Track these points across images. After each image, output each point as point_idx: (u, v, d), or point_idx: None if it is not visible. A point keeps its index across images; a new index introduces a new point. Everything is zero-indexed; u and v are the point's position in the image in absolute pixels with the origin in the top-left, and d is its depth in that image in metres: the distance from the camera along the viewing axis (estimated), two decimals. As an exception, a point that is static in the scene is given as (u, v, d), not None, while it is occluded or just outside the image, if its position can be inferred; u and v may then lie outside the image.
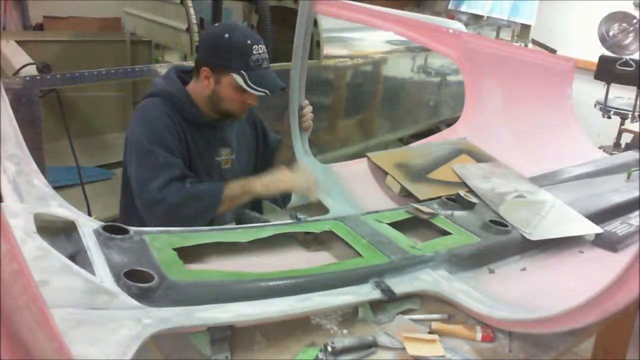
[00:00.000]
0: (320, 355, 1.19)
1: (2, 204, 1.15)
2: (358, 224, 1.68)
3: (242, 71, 1.83)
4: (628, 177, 2.35)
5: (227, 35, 1.84)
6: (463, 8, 5.93)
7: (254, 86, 1.83)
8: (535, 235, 1.73)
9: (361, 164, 2.20)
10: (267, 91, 1.86)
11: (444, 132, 2.70)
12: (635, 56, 4.63)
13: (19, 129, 1.34)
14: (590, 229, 1.80)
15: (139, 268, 1.19)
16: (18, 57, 2.51)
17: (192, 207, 1.79)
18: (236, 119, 2.02)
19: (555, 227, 1.78)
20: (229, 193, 1.84)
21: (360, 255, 1.49)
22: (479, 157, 2.30)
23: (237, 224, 1.81)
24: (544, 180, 2.22)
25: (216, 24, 1.95)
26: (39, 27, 4.77)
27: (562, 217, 1.85)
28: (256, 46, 1.85)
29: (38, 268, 1.02)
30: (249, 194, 1.88)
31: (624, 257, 0.94)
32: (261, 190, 1.88)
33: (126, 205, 2.03)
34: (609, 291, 0.99)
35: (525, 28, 5.88)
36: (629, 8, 4.89)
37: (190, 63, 2.99)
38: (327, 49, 3.59)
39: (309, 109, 2.18)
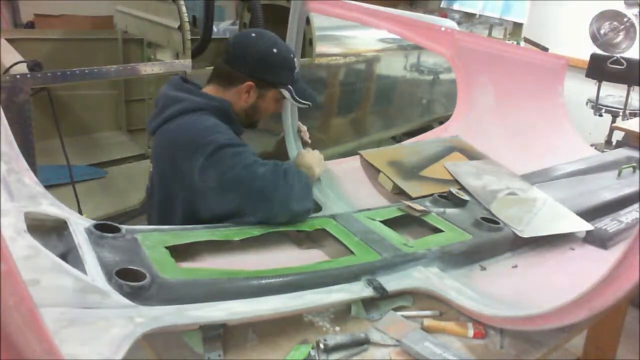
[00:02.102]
0: (313, 353, 1.19)
1: None
2: (350, 221, 1.68)
3: (289, 85, 1.85)
4: (619, 175, 2.37)
5: (275, 50, 1.80)
6: (455, 6, 5.95)
7: (299, 99, 1.87)
8: (527, 232, 1.74)
9: (354, 162, 2.20)
10: (309, 103, 1.90)
11: (436, 129, 2.70)
12: (626, 54, 4.65)
13: (10, 128, 1.33)
14: (582, 226, 1.81)
15: (131, 267, 1.18)
16: (8, 55, 2.49)
17: (296, 185, 1.69)
18: (254, 128, 1.97)
19: (547, 225, 1.79)
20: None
21: (352, 252, 1.49)
22: (470, 155, 2.31)
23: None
24: (536, 177, 2.23)
25: (252, 34, 1.85)
26: (30, 25, 4.74)
27: (553, 215, 1.86)
28: (295, 58, 1.88)
29: (29, 267, 1.01)
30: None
31: (615, 254, 0.95)
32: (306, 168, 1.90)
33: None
34: (598, 288, 0.99)
35: (517, 26, 5.90)
36: (620, 6, 4.90)
37: (184, 64, 2.99)
38: (320, 47, 3.59)
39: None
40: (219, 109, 1.78)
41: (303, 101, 1.88)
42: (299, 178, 1.70)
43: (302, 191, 1.68)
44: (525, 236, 1.74)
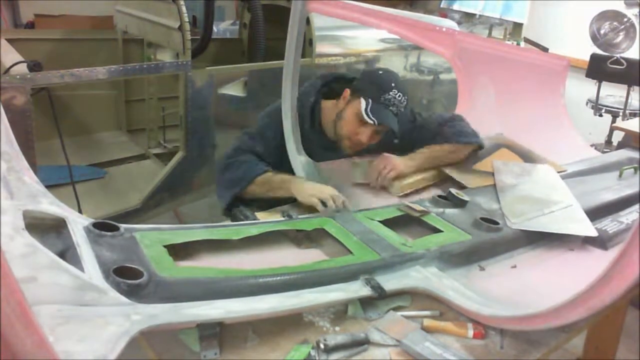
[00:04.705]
0: (313, 353, 1.19)
1: None
2: (349, 221, 1.68)
3: (370, 99, 2.00)
4: (620, 175, 2.37)
5: (380, 72, 2.14)
6: (455, 6, 5.95)
7: (369, 113, 1.99)
8: (518, 225, 1.75)
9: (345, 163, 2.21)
10: (375, 120, 1.99)
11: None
12: (626, 54, 4.65)
13: (10, 128, 1.33)
14: (586, 231, 1.78)
15: (129, 265, 1.18)
16: (8, 55, 2.49)
17: (228, 173, 2.01)
18: (341, 152, 2.19)
19: (549, 224, 1.79)
20: (263, 179, 1.98)
21: (351, 252, 1.49)
22: (517, 150, 2.38)
23: (231, 221, 1.81)
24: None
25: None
26: (30, 25, 4.74)
27: (565, 218, 1.85)
28: (396, 91, 2.02)
29: (26, 264, 1.01)
30: (284, 191, 1.94)
31: (614, 254, 0.95)
32: (296, 194, 1.90)
33: None
34: (595, 288, 0.99)
35: (517, 26, 5.90)
36: (620, 6, 4.90)
37: (184, 64, 2.99)
38: (320, 47, 3.58)
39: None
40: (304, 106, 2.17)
41: (370, 116, 1.99)
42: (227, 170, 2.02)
43: (222, 183, 2.02)
44: (515, 227, 1.75)
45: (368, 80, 2.09)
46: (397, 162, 2.07)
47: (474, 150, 2.26)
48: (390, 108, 2.01)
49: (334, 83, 2.23)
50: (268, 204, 1.97)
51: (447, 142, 2.20)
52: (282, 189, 1.95)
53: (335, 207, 1.79)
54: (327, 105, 2.18)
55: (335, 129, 2.12)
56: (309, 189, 1.88)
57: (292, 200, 2.00)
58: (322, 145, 2.20)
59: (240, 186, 1.98)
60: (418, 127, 2.28)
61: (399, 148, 2.18)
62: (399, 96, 2.01)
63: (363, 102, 2.00)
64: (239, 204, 1.96)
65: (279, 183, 1.96)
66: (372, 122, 1.99)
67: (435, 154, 2.18)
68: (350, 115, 2.06)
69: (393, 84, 2.03)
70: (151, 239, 1.34)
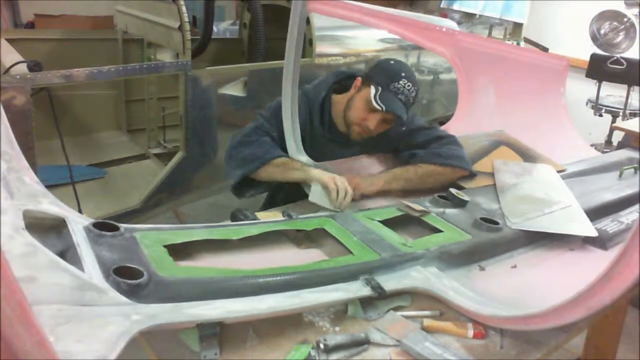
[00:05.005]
0: (313, 353, 1.19)
1: None
2: (349, 221, 1.68)
3: (379, 87, 2.03)
4: (620, 176, 2.37)
5: (391, 62, 2.15)
6: (456, 6, 5.96)
7: (377, 99, 2.01)
8: (517, 225, 1.75)
9: (352, 162, 2.21)
10: (383, 107, 2.00)
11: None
12: (626, 54, 4.65)
13: (10, 128, 1.33)
14: (586, 231, 1.78)
15: (129, 265, 1.18)
16: (8, 55, 2.48)
17: (246, 149, 2.02)
18: (348, 138, 2.18)
19: (549, 224, 1.79)
20: (282, 161, 2.00)
21: (351, 252, 1.49)
22: (517, 148, 2.37)
23: (231, 221, 1.81)
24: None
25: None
26: (30, 25, 4.74)
27: (565, 218, 1.85)
28: (406, 81, 2.04)
29: (26, 264, 1.01)
30: (303, 172, 1.97)
31: (614, 254, 0.95)
32: (317, 179, 1.92)
33: None
34: (595, 288, 0.99)
35: (517, 26, 5.91)
36: (620, 6, 4.90)
37: (184, 64, 2.99)
38: (320, 47, 3.58)
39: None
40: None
41: (379, 102, 2.01)
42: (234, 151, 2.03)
43: (237, 159, 2.02)
44: (515, 227, 1.75)
45: (379, 69, 2.12)
46: (358, 183, 1.97)
47: (461, 177, 2.12)
48: (399, 96, 2.02)
49: (346, 80, 2.25)
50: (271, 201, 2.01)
51: (427, 162, 2.10)
52: (301, 170, 1.98)
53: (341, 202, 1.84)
54: (338, 99, 2.20)
55: (345, 116, 2.14)
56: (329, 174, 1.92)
57: (293, 200, 2.00)
58: (331, 140, 2.22)
59: (263, 160, 1.98)
60: (412, 130, 2.23)
61: (393, 147, 2.25)
62: (409, 86, 2.03)
63: (373, 89, 2.03)
64: (247, 188, 2.05)
65: (298, 165, 2.00)
66: (380, 108, 2.00)
67: (407, 175, 2.08)
68: (359, 102, 2.08)
69: (403, 74, 2.05)
70: (151, 239, 1.34)
